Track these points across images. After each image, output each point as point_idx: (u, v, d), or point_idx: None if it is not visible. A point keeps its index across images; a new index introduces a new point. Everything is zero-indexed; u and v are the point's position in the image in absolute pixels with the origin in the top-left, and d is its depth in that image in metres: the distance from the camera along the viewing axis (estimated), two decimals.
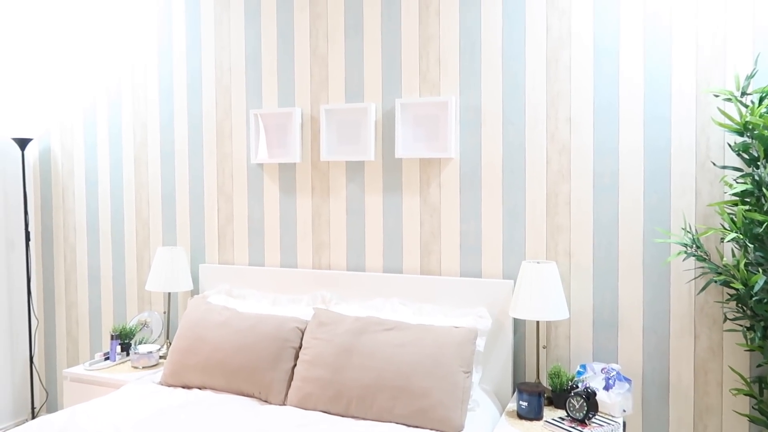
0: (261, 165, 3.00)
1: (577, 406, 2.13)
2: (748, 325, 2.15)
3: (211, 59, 3.08)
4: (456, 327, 2.32)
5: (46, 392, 3.58)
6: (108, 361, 2.89)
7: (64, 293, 3.50)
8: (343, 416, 2.24)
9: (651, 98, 2.34)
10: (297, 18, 2.89)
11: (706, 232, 2.08)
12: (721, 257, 2.17)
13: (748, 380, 2.22)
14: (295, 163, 2.93)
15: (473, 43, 2.59)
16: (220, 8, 3.05)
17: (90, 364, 2.85)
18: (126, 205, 3.31)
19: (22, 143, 3.32)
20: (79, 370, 2.82)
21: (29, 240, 3.44)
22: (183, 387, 2.54)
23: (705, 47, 2.27)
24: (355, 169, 2.81)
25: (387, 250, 2.76)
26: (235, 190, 3.06)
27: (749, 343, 2.13)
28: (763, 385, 2.16)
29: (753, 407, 2.24)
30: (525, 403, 2.19)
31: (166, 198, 3.21)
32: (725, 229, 2.04)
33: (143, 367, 2.82)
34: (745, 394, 2.15)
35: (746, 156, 2.09)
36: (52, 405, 3.57)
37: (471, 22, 2.59)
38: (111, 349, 2.90)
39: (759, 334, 2.04)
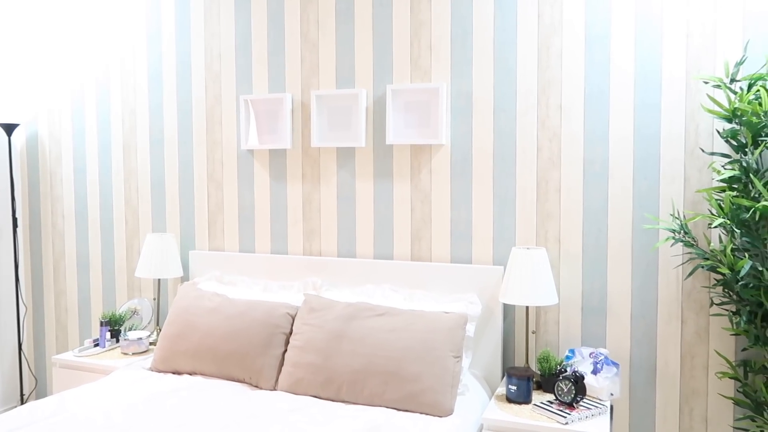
0: (251, 151, 2.99)
1: (565, 390, 2.16)
2: (734, 310, 2.19)
3: (200, 44, 3.05)
4: (446, 312, 2.34)
5: (36, 379, 3.56)
6: (97, 348, 2.88)
7: (52, 280, 3.48)
8: (334, 401, 2.25)
9: (641, 85, 2.36)
10: (287, 3, 2.87)
11: (693, 218, 2.10)
12: (709, 243, 2.19)
13: (734, 364, 2.25)
14: (285, 150, 2.92)
15: (465, 30, 2.58)
16: None
17: (79, 351, 2.84)
18: (115, 191, 3.29)
19: (9, 129, 3.28)
20: (68, 356, 2.81)
21: (17, 227, 3.41)
22: (173, 373, 2.54)
23: (695, 34, 2.28)
24: (346, 155, 2.81)
25: (378, 237, 2.77)
26: (225, 176, 3.04)
27: (735, 327, 2.16)
28: (747, 368, 2.19)
29: (738, 390, 2.28)
30: (514, 387, 2.21)
31: (156, 185, 3.19)
32: (713, 215, 2.07)
33: (133, 354, 2.81)
34: (731, 378, 2.19)
35: (734, 142, 2.11)
36: (41, 392, 3.56)
37: (463, 9, 2.58)
38: (100, 336, 2.89)
39: (744, 319, 2.07)
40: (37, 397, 3.56)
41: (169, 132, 3.15)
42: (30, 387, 3.56)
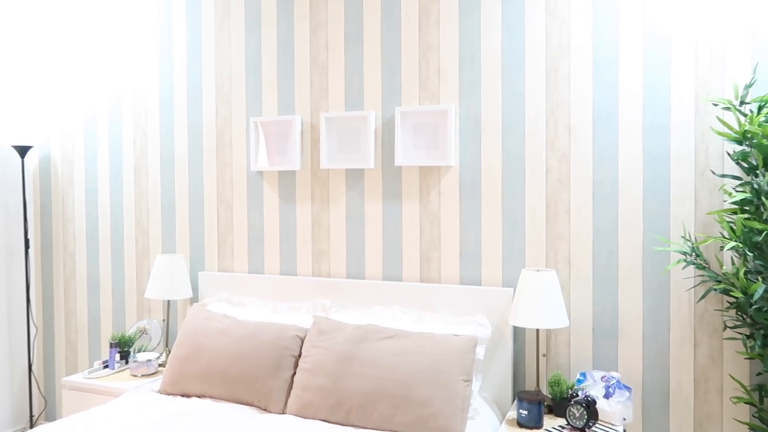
0: (261, 173, 3.00)
1: (577, 415, 2.13)
2: (748, 333, 2.16)
3: (211, 67, 3.09)
4: (456, 335, 2.32)
5: (45, 400, 3.56)
6: (107, 369, 2.89)
7: (63, 301, 3.50)
8: (343, 425, 2.24)
9: (650, 107, 2.36)
10: (297, 27, 2.91)
11: (705, 241, 2.08)
12: (721, 265, 2.17)
13: (748, 388, 2.22)
14: (294, 171, 2.93)
15: (473, 52, 2.60)
16: (221, 17, 3.06)
17: (89, 372, 2.84)
18: (126, 212, 3.31)
19: (22, 151, 3.32)
20: (77, 378, 2.81)
21: (28, 248, 3.43)
22: (182, 395, 2.54)
23: (704, 57, 2.28)
24: (354, 176, 2.82)
25: (387, 258, 2.77)
26: (235, 197, 3.06)
27: (749, 351, 2.13)
28: (763, 393, 2.16)
29: (753, 415, 2.24)
30: (525, 412, 2.18)
31: (166, 206, 3.21)
32: (725, 237, 2.05)
33: (142, 376, 2.81)
34: (746, 402, 2.15)
35: (745, 165, 2.10)
36: (50, 413, 3.56)
37: (471, 32, 2.60)
38: (110, 357, 2.89)
39: (759, 342, 2.04)
40: (47, 419, 3.56)
41: (179, 154, 3.18)
42: (39, 408, 3.56)
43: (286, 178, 2.95)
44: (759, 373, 2.16)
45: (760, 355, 2.07)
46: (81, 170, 3.43)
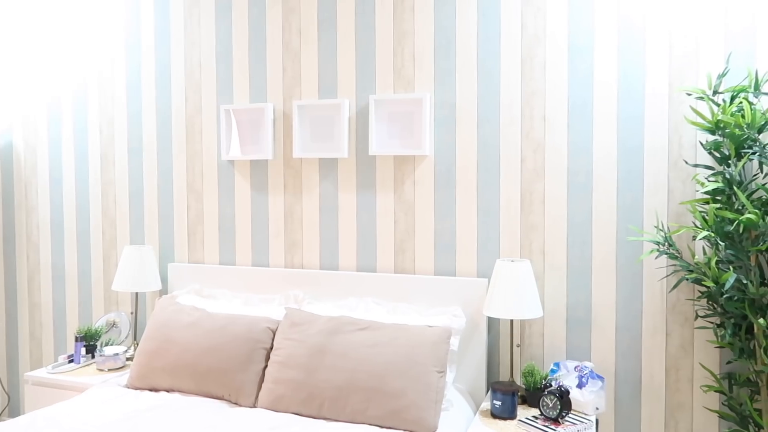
0: (232, 162, 2.93)
1: (550, 405, 2.13)
2: (719, 323, 2.18)
3: (180, 54, 3.00)
4: (430, 326, 2.30)
5: (8, 396, 3.46)
6: (72, 364, 2.80)
7: (26, 293, 3.39)
8: (315, 418, 2.20)
9: (625, 97, 2.35)
10: (269, 12, 2.84)
11: (678, 231, 2.08)
12: (693, 255, 2.18)
13: (718, 377, 2.24)
14: (267, 160, 2.87)
15: (448, 40, 2.57)
16: (190, 2, 2.97)
17: (53, 367, 2.75)
18: (92, 202, 3.21)
19: None
20: (41, 373, 2.72)
21: None
22: (150, 390, 2.47)
23: (678, 47, 2.28)
24: (328, 166, 2.77)
25: (361, 249, 2.73)
26: (206, 187, 2.99)
27: (719, 340, 2.15)
28: (732, 381, 2.18)
29: (723, 403, 2.26)
30: (499, 403, 2.17)
31: (134, 195, 3.12)
32: (697, 227, 2.06)
33: (109, 370, 2.74)
34: (716, 391, 2.17)
35: (717, 154, 2.11)
36: (14, 409, 3.45)
37: (446, 19, 2.56)
38: (75, 352, 2.81)
39: (729, 331, 2.06)
40: (10, 415, 3.45)
41: (148, 142, 3.09)
42: (2, 404, 3.45)
43: (258, 168, 2.89)
44: (729, 362, 2.19)
45: (730, 344, 2.09)
46: (45, 158, 3.31)
